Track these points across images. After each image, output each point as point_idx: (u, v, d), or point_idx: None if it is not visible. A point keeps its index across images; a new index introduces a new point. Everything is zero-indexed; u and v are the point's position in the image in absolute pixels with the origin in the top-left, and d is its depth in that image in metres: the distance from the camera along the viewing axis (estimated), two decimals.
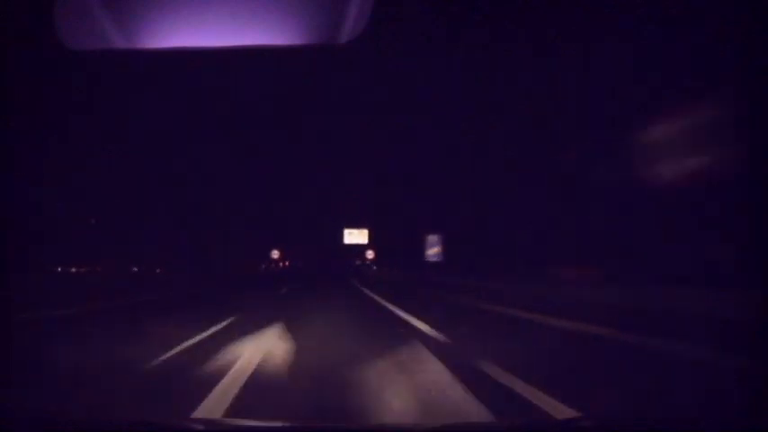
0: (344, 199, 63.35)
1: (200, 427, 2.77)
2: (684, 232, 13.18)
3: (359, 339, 7.77)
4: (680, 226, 13.35)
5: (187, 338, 7.20)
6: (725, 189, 12.22)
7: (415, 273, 29.83)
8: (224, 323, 9.07)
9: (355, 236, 53.53)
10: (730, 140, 12.27)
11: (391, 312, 12.02)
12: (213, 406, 4.00)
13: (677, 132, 13.99)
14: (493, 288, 15.72)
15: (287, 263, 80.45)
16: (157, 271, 32.86)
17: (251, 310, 12.17)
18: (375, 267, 52.59)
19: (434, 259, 29.21)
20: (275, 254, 54.51)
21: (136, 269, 31.64)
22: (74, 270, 29.37)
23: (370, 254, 52.28)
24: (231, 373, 5.13)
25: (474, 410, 3.97)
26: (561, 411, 3.87)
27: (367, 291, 20.79)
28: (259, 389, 4.64)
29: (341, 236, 54.08)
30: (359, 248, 55.51)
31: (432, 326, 8.73)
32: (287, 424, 3.26)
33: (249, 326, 8.62)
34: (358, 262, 66.09)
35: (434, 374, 5.20)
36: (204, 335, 7.72)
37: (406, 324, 9.47)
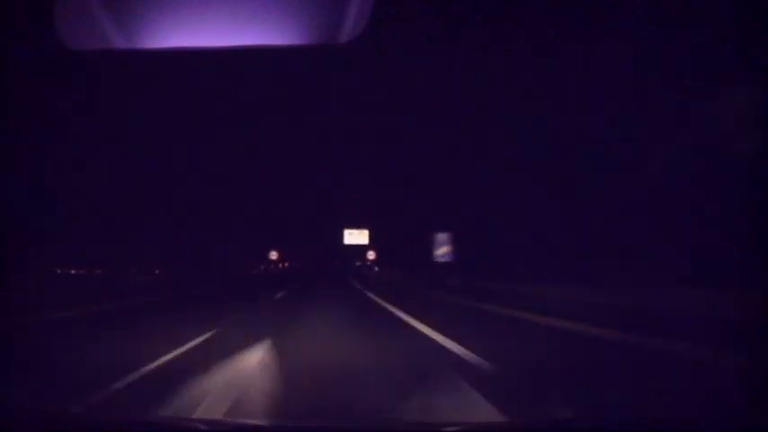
0: (344, 199, 63.33)
1: (200, 426, 2.77)
2: (684, 232, 13.17)
3: (366, 382, 5.07)
4: (680, 226, 13.34)
5: (154, 359, 5.97)
6: (725, 189, 12.21)
7: (419, 274, 29.53)
8: (201, 338, 7.76)
9: (355, 236, 53.38)
10: (730, 140, 12.27)
11: (409, 327, 9.59)
12: None
13: (677, 132, 13.99)
14: (523, 293, 13.41)
15: (286, 264, 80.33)
16: (156, 272, 32.84)
17: (237, 321, 10.50)
18: (377, 268, 52.26)
19: (444, 259, 27.54)
20: (273, 255, 54.04)
21: (135, 270, 31.63)
22: (73, 272, 29.35)
23: (371, 254, 51.70)
24: None
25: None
26: (561, 411, 3.88)
27: (371, 294, 19.64)
28: None
29: (341, 236, 53.95)
30: (359, 249, 55.33)
31: (472, 350, 6.55)
32: (287, 424, 3.26)
33: (231, 343, 7.21)
34: (358, 263, 65.97)
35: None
36: (170, 356, 6.29)
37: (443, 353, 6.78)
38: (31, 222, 23.80)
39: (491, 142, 24.51)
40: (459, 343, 7.04)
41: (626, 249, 14.93)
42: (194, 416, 3.79)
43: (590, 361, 6.24)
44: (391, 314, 12.18)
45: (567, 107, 18.23)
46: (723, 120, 12.39)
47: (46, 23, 2.77)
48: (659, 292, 8.44)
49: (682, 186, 13.61)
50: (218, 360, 5.82)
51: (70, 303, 12.04)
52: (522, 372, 5.06)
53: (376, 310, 13.85)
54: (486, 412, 3.96)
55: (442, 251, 27.82)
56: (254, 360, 5.94)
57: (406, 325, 9.86)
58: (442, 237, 28.05)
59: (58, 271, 27.68)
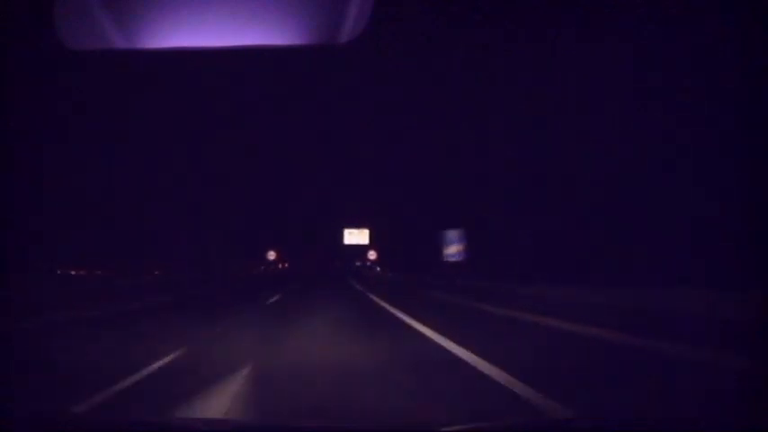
0: (344, 199, 63.36)
1: (200, 426, 2.77)
2: (684, 232, 13.18)
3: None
4: (680, 226, 13.35)
5: (154, 359, 5.73)
6: (725, 189, 12.22)
7: (419, 275, 28.77)
8: (202, 338, 7.65)
9: (356, 236, 53.27)
10: (730, 140, 12.27)
11: (412, 328, 9.35)
12: None
13: (677, 132, 13.99)
14: (523, 293, 12.36)
15: (286, 264, 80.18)
16: (156, 273, 32.83)
17: (238, 322, 10.30)
18: (378, 269, 51.92)
19: (455, 258, 25.23)
20: (272, 255, 53.50)
21: (135, 271, 31.62)
22: (73, 272, 29.36)
23: (372, 254, 51.05)
24: None
25: None
26: (561, 411, 3.88)
27: (375, 298, 18.75)
28: None
29: (341, 236, 53.90)
30: (360, 249, 55.18)
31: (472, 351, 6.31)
32: (287, 424, 3.26)
33: (232, 342, 7.12)
34: (358, 263, 65.92)
35: None
36: (171, 356, 6.03)
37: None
38: (31, 222, 23.79)
39: (491, 142, 24.50)
40: (459, 344, 7.04)
41: (626, 249, 14.93)
42: (194, 415, 3.79)
43: (590, 361, 6.25)
44: (395, 317, 12.18)
45: (567, 107, 18.23)
46: (723, 120, 12.40)
47: (46, 23, 2.77)
48: (659, 292, 8.43)
49: (682, 186, 13.61)
50: (221, 359, 5.82)
51: (70, 304, 12.03)
52: (521, 371, 5.06)
53: (381, 315, 13.84)
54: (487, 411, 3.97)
55: (453, 250, 25.74)
56: (255, 359, 5.94)
57: (408, 327, 9.86)
58: (452, 234, 25.95)
59: (58, 272, 27.69)
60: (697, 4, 12.82)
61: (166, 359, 5.96)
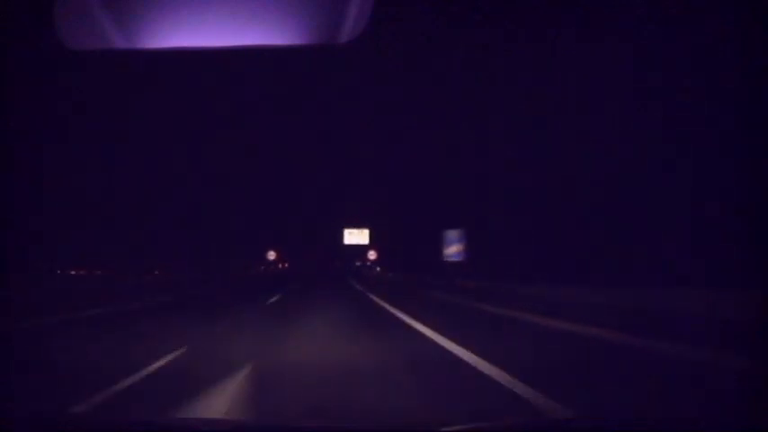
0: (344, 199, 63.40)
1: (201, 427, 2.77)
2: (684, 232, 13.17)
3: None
4: (680, 226, 13.35)
5: (154, 360, 5.68)
6: (725, 189, 12.21)
7: (419, 275, 28.84)
8: (202, 338, 7.81)
9: (356, 236, 53.19)
10: (730, 140, 12.27)
11: (412, 329, 9.40)
12: None
13: (677, 132, 13.99)
14: (523, 293, 12.23)
15: (285, 264, 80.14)
16: (156, 273, 32.85)
17: (238, 322, 10.28)
18: (378, 269, 51.82)
19: (455, 259, 25.39)
20: (271, 255, 53.34)
21: (135, 271, 31.64)
22: (73, 273, 29.38)
23: (372, 254, 50.81)
24: None
25: None
26: (561, 411, 3.88)
27: (375, 298, 18.77)
28: None
29: (341, 236, 53.84)
30: (360, 249, 55.09)
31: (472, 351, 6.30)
32: (287, 424, 3.26)
33: (233, 342, 7.18)
34: (358, 263, 65.91)
35: None
36: (171, 356, 5.97)
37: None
38: (31, 222, 23.80)
39: (491, 142, 24.49)
40: (459, 344, 7.04)
41: (626, 249, 14.92)
42: (194, 415, 3.79)
43: (590, 361, 6.24)
44: (396, 317, 12.18)
45: (567, 107, 18.22)
46: (723, 120, 12.39)
47: (46, 23, 2.77)
48: (659, 292, 8.44)
49: (682, 186, 13.61)
50: (221, 359, 5.82)
51: (70, 304, 12.04)
52: (521, 371, 5.06)
53: (381, 315, 13.84)
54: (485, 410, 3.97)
55: (453, 250, 25.79)
56: (255, 359, 5.94)
57: (408, 327, 9.87)
58: (452, 234, 25.95)
59: (58, 272, 27.70)
60: (697, 4, 12.82)
61: (166, 359, 5.95)
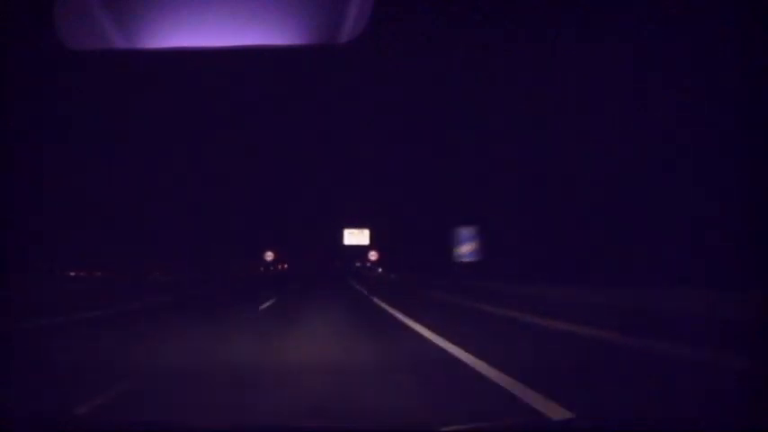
0: (344, 199, 63.39)
1: (201, 427, 2.77)
2: (684, 232, 13.17)
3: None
4: (680, 226, 13.34)
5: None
6: (725, 189, 12.21)
7: (420, 275, 28.45)
8: (203, 338, 7.90)
9: (356, 236, 53.04)
10: (730, 140, 12.27)
11: (409, 329, 9.22)
12: None
13: (677, 132, 13.98)
14: (524, 294, 11.88)
15: (285, 265, 79.92)
16: (156, 273, 32.83)
17: (238, 321, 10.25)
18: (380, 270, 51.41)
19: (468, 258, 23.97)
20: (269, 255, 52.90)
21: (135, 273, 31.63)
22: (72, 274, 29.32)
23: (373, 255, 50.05)
24: None
25: None
26: (561, 411, 3.87)
27: (375, 299, 18.42)
28: None
29: (341, 236, 53.75)
30: (360, 249, 54.92)
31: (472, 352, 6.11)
32: (287, 424, 3.26)
33: (234, 341, 7.10)
34: (358, 263, 65.85)
35: None
36: (171, 356, 5.99)
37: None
38: (31, 222, 23.79)
39: (491, 142, 24.49)
40: (459, 345, 7.04)
41: (626, 249, 14.92)
42: (194, 416, 3.79)
43: (590, 361, 6.24)
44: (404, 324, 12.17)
45: (567, 107, 18.22)
46: (723, 120, 12.39)
47: (46, 23, 2.77)
48: (659, 292, 8.43)
49: (682, 186, 13.61)
50: (221, 359, 5.82)
51: (70, 304, 12.04)
52: (521, 372, 5.05)
53: (381, 316, 13.83)
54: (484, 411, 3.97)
55: (466, 249, 24.22)
56: (255, 359, 5.95)
57: (406, 327, 9.87)
58: (465, 232, 24.45)
59: (58, 273, 27.66)
60: (697, 4, 12.82)
61: (166, 359, 5.96)
